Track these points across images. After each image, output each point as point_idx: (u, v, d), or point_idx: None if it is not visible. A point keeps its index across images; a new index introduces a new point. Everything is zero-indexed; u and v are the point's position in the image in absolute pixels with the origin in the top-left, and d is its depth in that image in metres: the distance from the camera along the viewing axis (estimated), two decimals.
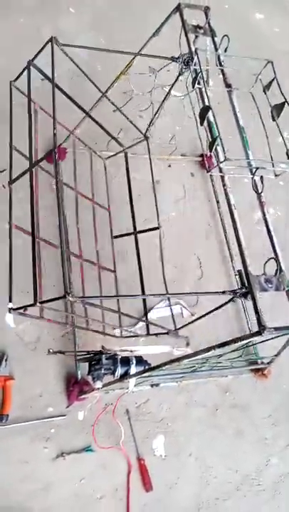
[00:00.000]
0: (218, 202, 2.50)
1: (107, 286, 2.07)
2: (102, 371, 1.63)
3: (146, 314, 2.02)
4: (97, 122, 1.91)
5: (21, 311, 1.28)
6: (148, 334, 1.87)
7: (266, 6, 3.27)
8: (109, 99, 1.89)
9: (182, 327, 1.71)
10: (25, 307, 1.27)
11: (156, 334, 1.75)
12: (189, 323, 1.68)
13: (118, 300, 1.98)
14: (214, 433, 2.03)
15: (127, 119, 1.98)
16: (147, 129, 2.16)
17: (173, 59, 1.57)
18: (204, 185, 2.57)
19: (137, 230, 2.01)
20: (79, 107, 1.82)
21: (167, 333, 1.67)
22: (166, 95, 2.02)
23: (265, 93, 1.54)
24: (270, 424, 2.13)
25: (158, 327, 1.64)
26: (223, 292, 1.20)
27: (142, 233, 1.99)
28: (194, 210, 2.51)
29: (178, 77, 1.79)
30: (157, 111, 2.06)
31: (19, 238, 2.17)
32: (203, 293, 2.14)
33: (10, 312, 1.31)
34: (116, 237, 2.16)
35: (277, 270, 1.24)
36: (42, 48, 1.60)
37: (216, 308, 1.34)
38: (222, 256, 2.41)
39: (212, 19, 1.70)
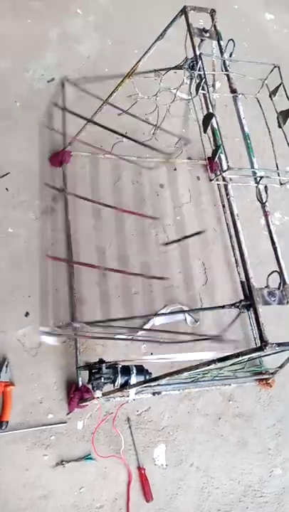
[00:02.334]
0: (223, 206, 2.46)
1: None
2: (102, 380, 1.61)
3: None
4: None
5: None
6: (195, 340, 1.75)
7: (276, 6, 3.22)
8: (114, 106, 1.85)
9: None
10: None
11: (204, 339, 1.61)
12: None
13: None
14: (217, 442, 2.00)
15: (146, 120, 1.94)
16: (154, 133, 2.12)
17: (178, 67, 1.53)
18: (210, 189, 2.53)
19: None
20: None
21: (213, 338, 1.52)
22: (173, 99, 1.97)
23: (271, 99, 1.50)
24: (273, 434, 2.09)
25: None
26: (223, 307, 1.16)
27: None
28: (200, 214, 2.47)
29: (190, 82, 1.74)
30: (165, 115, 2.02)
31: (21, 240, 2.16)
32: (205, 308, 2.10)
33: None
34: (167, 244, 2.28)
35: (280, 283, 1.20)
36: None
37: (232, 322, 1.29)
38: (227, 261, 2.37)
39: (221, 20, 1.66)
